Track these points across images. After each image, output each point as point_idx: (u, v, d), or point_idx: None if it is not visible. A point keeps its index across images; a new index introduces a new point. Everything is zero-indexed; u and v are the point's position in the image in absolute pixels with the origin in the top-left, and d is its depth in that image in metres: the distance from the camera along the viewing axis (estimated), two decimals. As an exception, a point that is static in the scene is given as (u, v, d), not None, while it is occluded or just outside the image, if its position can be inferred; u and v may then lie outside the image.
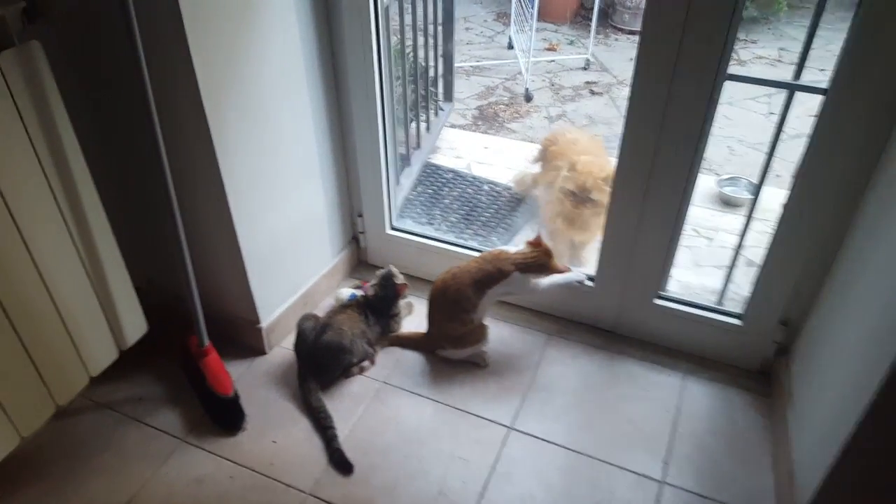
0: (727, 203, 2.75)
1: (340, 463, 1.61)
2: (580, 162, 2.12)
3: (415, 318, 2.04)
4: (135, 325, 1.66)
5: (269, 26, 1.57)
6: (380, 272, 1.93)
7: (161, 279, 1.90)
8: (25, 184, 1.31)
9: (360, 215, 2.15)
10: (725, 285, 2.01)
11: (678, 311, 1.88)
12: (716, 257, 2.46)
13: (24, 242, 1.33)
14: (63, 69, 1.37)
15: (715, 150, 3.47)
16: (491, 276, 1.76)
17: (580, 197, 2.13)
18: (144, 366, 1.86)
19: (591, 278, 1.94)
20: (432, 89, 3.02)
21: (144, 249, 1.80)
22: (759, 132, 3.64)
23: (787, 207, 1.62)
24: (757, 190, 1.79)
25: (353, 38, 1.79)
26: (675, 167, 1.64)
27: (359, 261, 2.26)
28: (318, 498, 1.55)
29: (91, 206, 1.46)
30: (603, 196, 2.08)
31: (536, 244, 1.80)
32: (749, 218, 1.86)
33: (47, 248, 1.38)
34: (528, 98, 3.99)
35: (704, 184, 2.82)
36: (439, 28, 2.93)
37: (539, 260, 1.77)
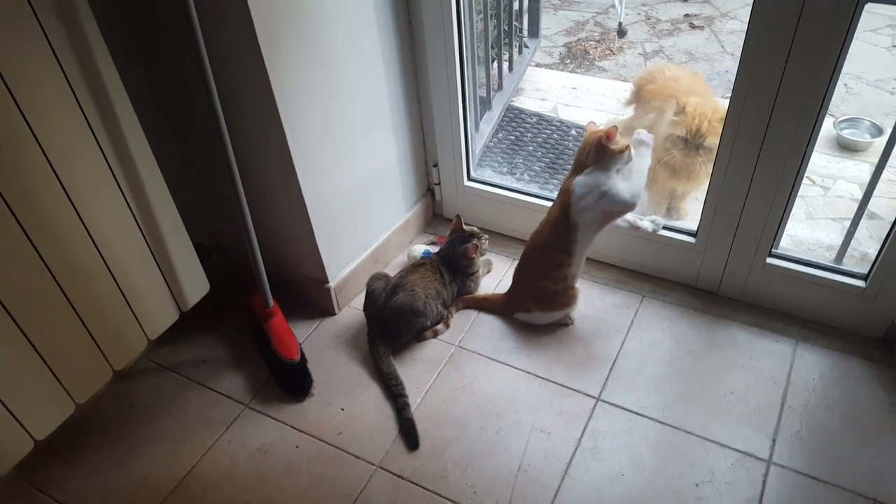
0: (846, 148, 2.43)
1: (410, 435, 1.50)
2: (690, 103, 1.87)
3: (494, 276, 1.90)
4: (196, 285, 1.58)
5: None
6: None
7: (223, 236, 1.82)
8: (69, 138, 1.22)
9: (436, 165, 2.00)
10: (847, 242, 1.77)
11: (792, 270, 1.66)
12: (832, 209, 2.19)
13: (69, 198, 1.24)
14: (104, 14, 1.26)
15: (829, 87, 3.10)
16: (563, 204, 1.58)
17: (693, 143, 1.88)
18: (207, 327, 1.80)
19: (692, 233, 1.73)
20: (516, 24, 2.80)
21: (204, 205, 1.72)
22: (880, 67, 3.22)
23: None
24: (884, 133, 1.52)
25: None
26: (801, 105, 1.40)
27: (434, 214, 2.13)
28: (387, 471, 1.45)
29: (142, 159, 1.37)
30: (718, 140, 1.83)
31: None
32: (882, 165, 1.59)
33: (95, 205, 1.30)
34: (622, 33, 3.68)
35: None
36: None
37: (588, 154, 1.54)
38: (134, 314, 1.45)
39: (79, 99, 1.21)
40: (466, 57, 1.79)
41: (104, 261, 1.34)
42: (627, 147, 1.53)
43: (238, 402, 1.63)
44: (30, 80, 1.13)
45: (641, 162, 1.59)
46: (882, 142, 2.43)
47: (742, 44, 1.40)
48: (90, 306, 1.34)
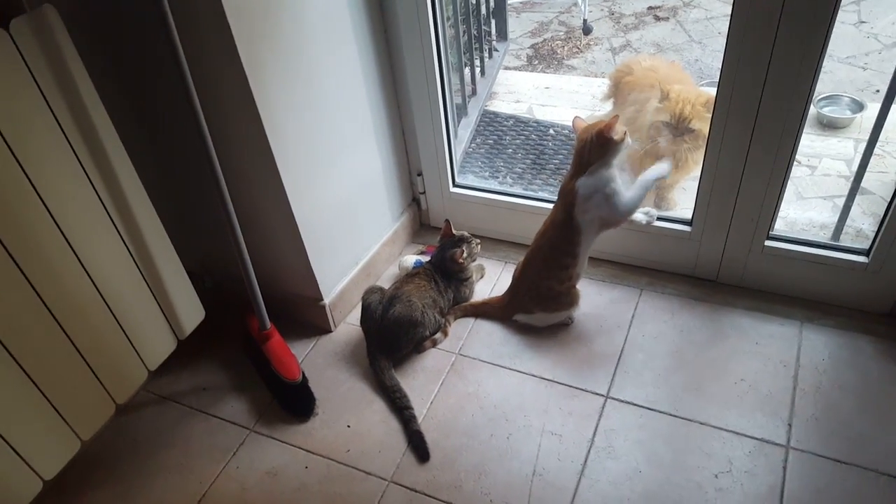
0: (828, 125, 2.43)
1: (420, 447, 1.46)
2: (673, 89, 1.86)
3: (488, 280, 1.87)
4: (191, 313, 1.55)
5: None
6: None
7: (215, 261, 1.78)
8: (56, 169, 1.19)
9: (420, 174, 1.97)
10: (843, 219, 1.76)
11: (792, 252, 1.64)
12: (821, 187, 2.18)
13: (61, 234, 1.22)
14: (85, 37, 1.23)
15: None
16: (567, 205, 1.54)
17: (679, 129, 1.87)
18: (205, 354, 1.76)
19: (687, 222, 1.71)
20: (485, 28, 2.78)
21: (194, 231, 1.68)
22: (850, 44, 3.24)
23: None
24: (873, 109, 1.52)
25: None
26: (791, 83, 1.39)
27: (421, 224, 2.10)
28: (400, 485, 1.41)
29: (131, 187, 1.34)
30: (704, 125, 1.82)
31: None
32: (874, 140, 1.59)
33: (87, 239, 1.27)
34: (587, 30, 3.68)
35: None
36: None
37: (590, 150, 1.49)
38: (133, 346, 1.41)
39: (66, 133, 1.19)
40: (444, 62, 1.76)
41: (100, 294, 1.32)
42: (625, 133, 1.50)
43: (243, 427, 1.58)
44: (17, 117, 1.11)
45: (649, 175, 1.56)
46: (862, 117, 2.44)
47: (727, 28, 1.39)
48: (90, 341, 1.31)
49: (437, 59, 1.72)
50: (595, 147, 1.49)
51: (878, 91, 2.85)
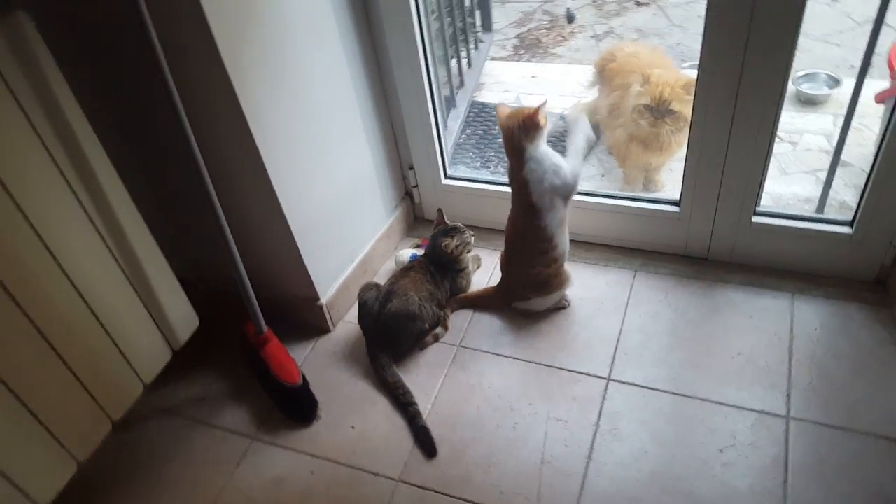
0: (807, 102, 2.47)
1: (427, 443, 1.47)
2: (653, 74, 1.89)
3: (485, 270, 1.88)
4: (185, 321, 1.52)
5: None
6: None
7: (207, 266, 1.76)
8: (37, 180, 1.16)
9: (412, 168, 1.97)
10: (826, 191, 1.79)
11: (779, 226, 1.67)
12: (803, 162, 2.21)
13: (45, 246, 1.18)
14: (63, 45, 1.20)
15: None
16: (523, 195, 1.57)
17: (659, 111, 1.89)
18: (200, 363, 1.73)
19: (675, 202, 1.73)
20: (470, 20, 2.78)
21: (184, 237, 1.67)
22: (824, 22, 3.29)
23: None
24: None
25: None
26: (770, 58, 1.41)
27: (415, 217, 2.10)
28: (409, 483, 1.41)
29: (115, 195, 1.31)
30: (684, 107, 1.85)
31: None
32: (850, 114, 1.62)
33: (72, 251, 1.24)
34: (571, 18, 3.70)
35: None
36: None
37: (520, 136, 1.53)
38: (126, 360, 1.38)
39: (46, 143, 1.16)
40: (430, 55, 1.76)
41: (90, 309, 1.28)
42: (546, 117, 1.55)
43: (245, 436, 1.57)
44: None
45: (577, 141, 1.60)
46: (839, 92, 2.47)
47: (704, 9, 1.40)
48: (81, 358, 1.28)
49: (422, 52, 1.71)
50: (524, 132, 1.52)
51: (852, 67, 2.89)
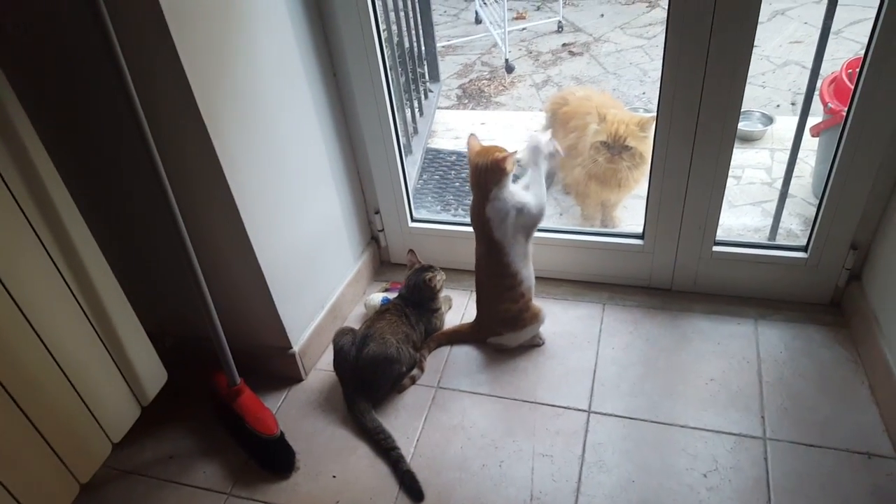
0: (744, 139, 2.61)
1: (413, 488, 1.44)
2: (609, 113, 1.98)
3: (457, 310, 1.88)
4: (153, 377, 1.47)
5: (257, 24, 1.40)
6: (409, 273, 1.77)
7: (175, 320, 1.71)
8: (10, 241, 1.13)
9: (377, 212, 1.97)
10: (777, 220, 1.88)
11: (738, 254, 1.74)
12: (748, 195, 2.32)
13: (11, 299, 1.13)
14: (32, 92, 1.18)
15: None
16: (485, 232, 1.58)
17: (616, 147, 1.98)
18: (169, 419, 1.66)
19: (639, 236, 1.79)
20: (420, 70, 2.85)
21: (152, 291, 1.61)
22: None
23: (852, 127, 1.47)
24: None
25: (349, 23, 1.62)
26: (724, 98, 1.50)
27: (381, 262, 2.09)
28: (399, 528, 1.38)
29: (84, 247, 1.27)
30: (639, 143, 1.93)
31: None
32: (796, 147, 1.72)
33: (40, 305, 1.18)
34: (510, 69, 3.85)
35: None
36: (416, 4, 2.77)
37: (486, 176, 1.54)
38: (95, 418, 1.32)
39: (12, 191, 1.11)
40: (395, 101, 1.79)
41: (57, 364, 1.23)
42: (515, 163, 1.56)
43: (219, 493, 1.50)
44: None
45: (539, 171, 1.61)
46: (773, 129, 2.63)
47: (662, 52, 1.48)
48: (49, 418, 1.22)
49: (388, 99, 1.74)
50: (491, 174, 1.54)
51: (778, 106, 3.09)
